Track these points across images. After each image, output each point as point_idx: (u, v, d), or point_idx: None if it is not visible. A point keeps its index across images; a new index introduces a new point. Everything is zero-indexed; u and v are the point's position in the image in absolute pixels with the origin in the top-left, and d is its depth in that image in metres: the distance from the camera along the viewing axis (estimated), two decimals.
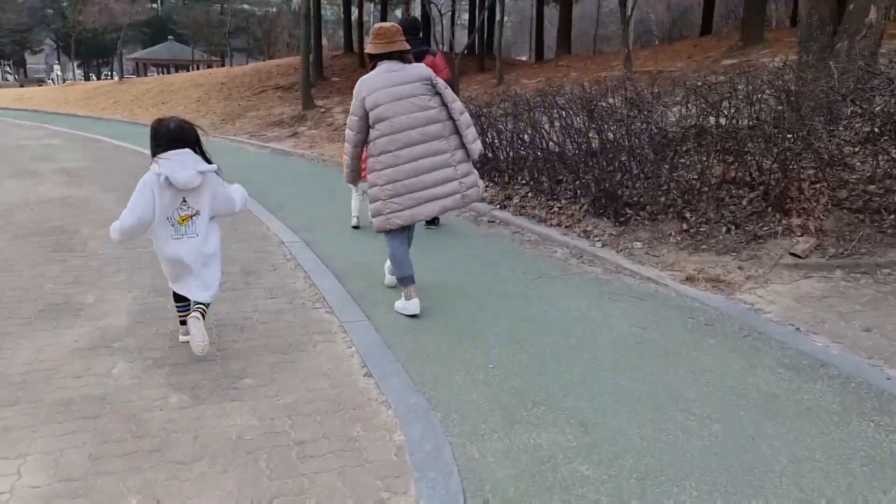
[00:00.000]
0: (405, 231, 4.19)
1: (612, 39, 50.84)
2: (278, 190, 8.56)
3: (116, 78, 35.11)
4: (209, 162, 3.31)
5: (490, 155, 7.66)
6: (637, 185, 5.87)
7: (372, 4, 32.87)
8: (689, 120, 5.68)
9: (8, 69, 65.59)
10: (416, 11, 28.07)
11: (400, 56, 4.00)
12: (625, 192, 5.83)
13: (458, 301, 4.35)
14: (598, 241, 5.54)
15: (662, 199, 5.58)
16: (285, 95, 19.82)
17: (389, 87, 3.93)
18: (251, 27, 49.49)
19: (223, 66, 42.72)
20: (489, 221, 6.63)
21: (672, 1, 45.76)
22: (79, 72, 66.87)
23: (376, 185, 4.02)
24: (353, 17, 26.46)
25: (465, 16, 36.29)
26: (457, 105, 4.07)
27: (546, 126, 6.82)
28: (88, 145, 14.07)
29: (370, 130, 4.00)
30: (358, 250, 5.59)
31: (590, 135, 6.30)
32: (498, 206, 6.95)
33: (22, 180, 9.22)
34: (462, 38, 37.14)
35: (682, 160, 5.76)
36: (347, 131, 4.11)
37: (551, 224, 6.15)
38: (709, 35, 19.10)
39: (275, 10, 51.74)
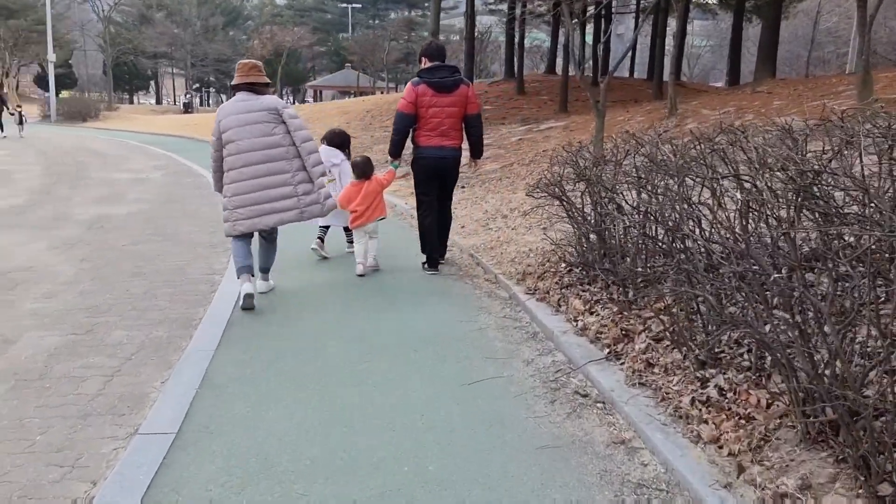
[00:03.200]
0: (249, 236, 4.76)
1: (829, 63, 43.71)
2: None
3: None
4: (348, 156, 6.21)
5: (607, 246, 4.38)
6: None
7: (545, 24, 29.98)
8: None
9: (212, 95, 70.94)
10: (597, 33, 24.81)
11: (252, 87, 4.73)
12: None
13: None
14: None
15: None
16: None
17: (238, 113, 4.65)
18: None
19: (393, 91, 41.98)
20: (579, 394, 3.37)
21: None
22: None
23: (226, 197, 4.68)
24: (514, 40, 23.76)
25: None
26: (300, 133, 4.71)
27: (709, 207, 3.43)
28: (180, 181, 12.51)
29: (223, 150, 4.69)
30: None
31: (803, 235, 2.89)
32: (606, 351, 3.67)
33: (30, 232, 7.40)
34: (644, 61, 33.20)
35: None
36: (210, 149, 4.86)
37: (698, 435, 2.78)
38: None
39: (458, 36, 50.96)
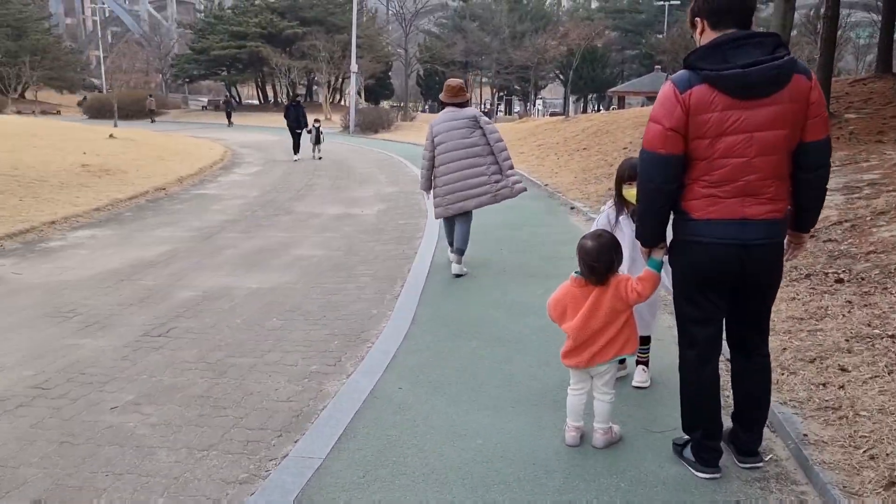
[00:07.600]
0: (453, 219, 6.19)
1: None
2: None
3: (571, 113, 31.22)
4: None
5: None
6: None
7: None
8: None
9: (518, 104, 69.94)
10: None
11: (458, 104, 6.18)
12: None
13: None
14: None
15: None
16: None
17: (446, 122, 6.11)
18: None
19: None
20: None
21: None
22: (578, 105, 67.47)
23: (436, 187, 6.13)
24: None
25: None
26: (493, 136, 6.05)
27: None
28: (389, 223, 9.21)
29: (434, 150, 6.14)
30: None
31: None
32: None
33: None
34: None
35: None
36: (423, 151, 6.32)
37: None
38: None
39: (795, 32, 42.53)
